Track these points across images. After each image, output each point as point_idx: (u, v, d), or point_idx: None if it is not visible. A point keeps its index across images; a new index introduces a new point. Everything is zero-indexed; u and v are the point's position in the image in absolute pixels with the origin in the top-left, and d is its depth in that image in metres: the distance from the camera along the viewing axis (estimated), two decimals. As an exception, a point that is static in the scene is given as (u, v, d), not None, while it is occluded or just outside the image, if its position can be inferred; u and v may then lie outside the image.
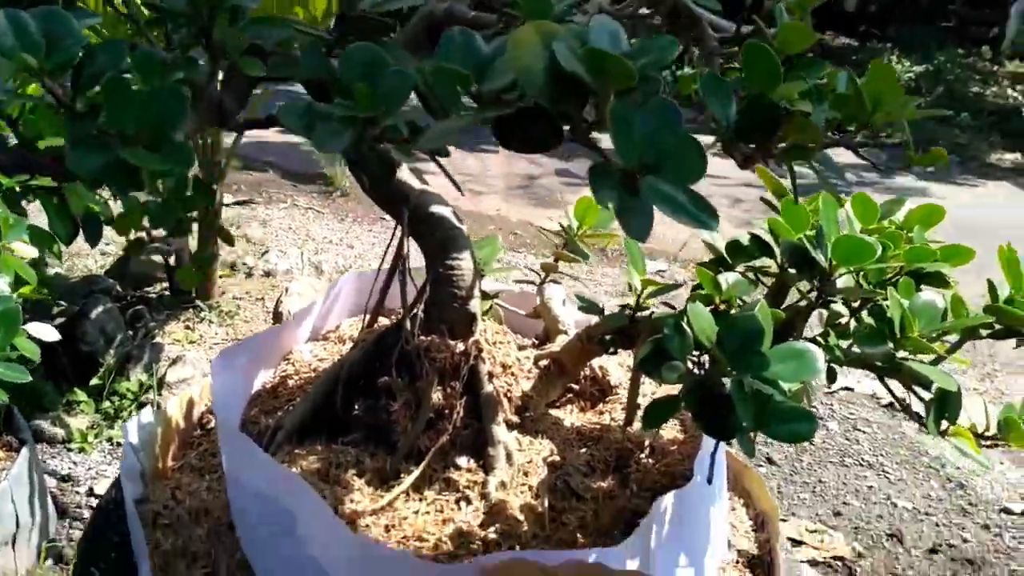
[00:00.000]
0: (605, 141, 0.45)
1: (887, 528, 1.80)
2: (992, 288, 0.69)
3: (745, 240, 0.73)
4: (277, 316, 1.26)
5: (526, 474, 0.73)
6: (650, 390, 0.91)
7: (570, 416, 0.87)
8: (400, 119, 0.44)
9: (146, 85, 0.55)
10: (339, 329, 0.97)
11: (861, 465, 2.10)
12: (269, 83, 0.63)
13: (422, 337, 0.76)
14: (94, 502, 1.11)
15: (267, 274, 2.84)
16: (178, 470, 0.85)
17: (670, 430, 0.85)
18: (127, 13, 0.88)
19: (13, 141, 0.89)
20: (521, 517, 0.69)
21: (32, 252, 1.27)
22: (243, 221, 3.53)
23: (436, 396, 0.75)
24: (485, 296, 0.88)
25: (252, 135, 4.93)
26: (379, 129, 0.44)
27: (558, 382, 0.88)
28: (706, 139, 0.49)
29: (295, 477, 0.65)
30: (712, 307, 0.67)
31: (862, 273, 0.69)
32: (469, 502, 0.70)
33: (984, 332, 0.69)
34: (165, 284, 2.62)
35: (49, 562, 1.63)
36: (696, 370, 0.60)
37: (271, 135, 5.03)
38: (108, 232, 3.10)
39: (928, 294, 0.66)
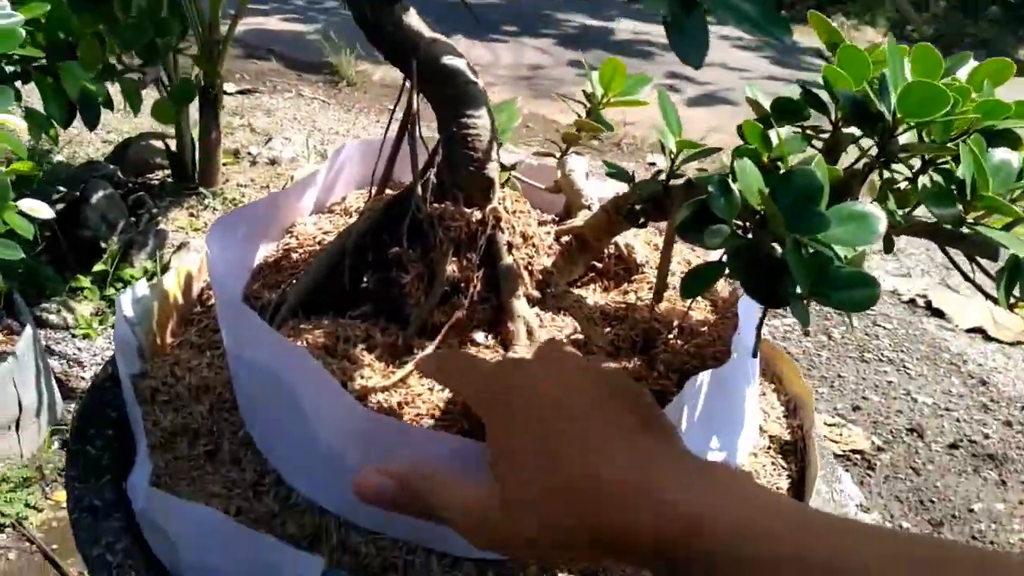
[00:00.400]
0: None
1: (907, 423, 1.77)
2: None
3: (795, 94, 0.65)
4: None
5: (547, 352, 0.68)
6: (678, 268, 0.85)
7: (593, 295, 0.81)
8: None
9: None
10: (344, 201, 0.91)
11: (881, 361, 2.06)
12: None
13: (435, 204, 0.69)
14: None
15: (272, 162, 2.77)
16: (177, 347, 0.80)
17: (700, 310, 0.79)
18: None
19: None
20: (542, 396, 0.64)
21: (21, 124, 1.20)
22: (247, 110, 3.44)
23: (451, 268, 0.69)
24: (502, 168, 0.81)
25: (255, 23, 4.80)
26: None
27: (580, 259, 0.82)
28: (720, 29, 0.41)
29: (299, 350, 0.60)
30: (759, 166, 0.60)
31: (925, 131, 0.62)
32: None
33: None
34: (167, 171, 2.55)
35: (55, 445, 1.63)
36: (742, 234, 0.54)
37: (275, 23, 4.89)
38: (110, 120, 3.03)
39: (1002, 153, 0.59)
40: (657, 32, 5.19)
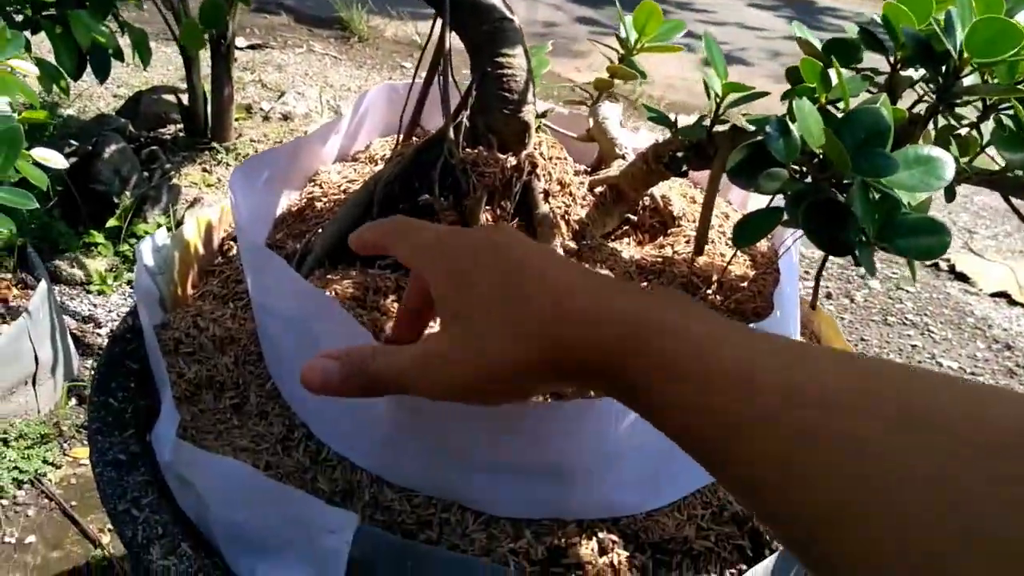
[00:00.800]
0: None
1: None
2: None
3: (852, 34, 0.62)
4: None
5: (583, 305, 0.65)
6: (717, 222, 0.82)
7: (628, 248, 0.78)
8: None
9: None
10: (369, 149, 0.87)
11: (904, 324, 2.03)
12: None
13: (468, 149, 0.66)
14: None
15: (285, 117, 2.73)
16: (199, 298, 0.78)
17: (739, 265, 0.76)
18: None
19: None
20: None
21: (33, 70, 1.17)
22: (258, 66, 3.39)
23: (484, 216, 0.66)
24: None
25: (265, -25, 4.67)
26: None
27: (615, 211, 0.79)
28: None
29: (328, 298, 0.57)
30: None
31: (988, 73, 0.58)
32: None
33: None
34: (179, 125, 2.52)
35: (73, 401, 1.61)
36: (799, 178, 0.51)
37: (285, -24, 4.78)
38: (120, 74, 2.99)
39: (1075, 95, 0.56)
40: (674, -12, 5.09)
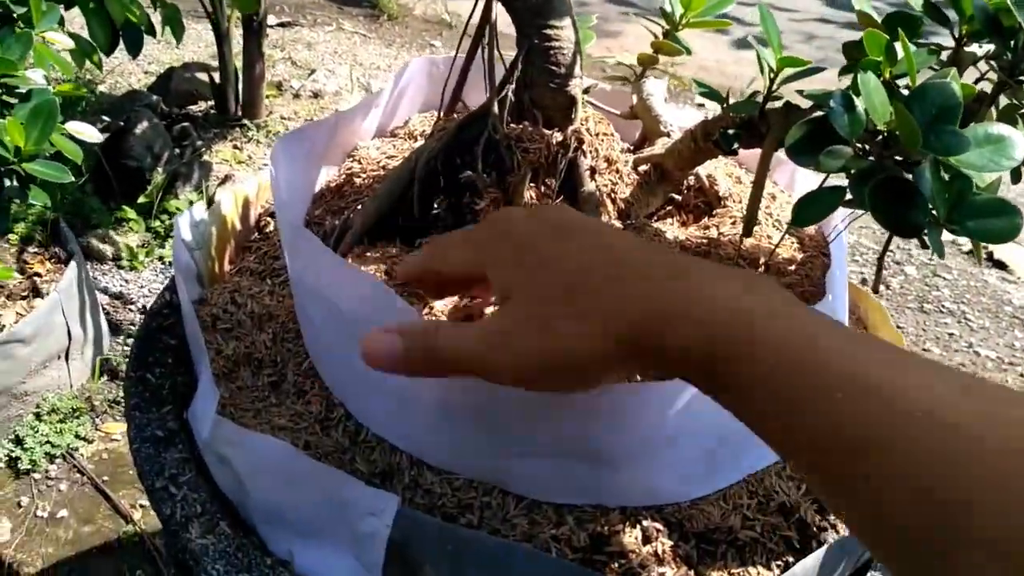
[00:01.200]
0: None
1: (970, 375, 1.70)
2: None
3: (916, 7, 0.59)
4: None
5: (628, 287, 0.64)
6: (764, 203, 0.80)
7: (672, 229, 0.76)
8: None
9: None
10: (408, 124, 0.86)
11: (941, 312, 1.99)
12: None
13: (512, 125, 0.65)
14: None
15: (315, 95, 2.72)
16: (236, 274, 0.77)
17: (787, 248, 0.74)
18: None
19: None
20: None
21: (69, 43, 1.16)
22: (287, 43, 3.38)
23: (529, 194, 0.64)
24: (578, 91, 0.76)
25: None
26: None
27: (660, 190, 0.77)
28: None
29: (368, 277, 0.56)
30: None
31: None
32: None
33: None
34: (210, 102, 2.51)
35: (104, 377, 1.62)
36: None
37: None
38: (152, 51, 2.99)
39: None
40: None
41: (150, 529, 1.33)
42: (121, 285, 1.88)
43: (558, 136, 0.64)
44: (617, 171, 0.68)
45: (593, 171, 0.65)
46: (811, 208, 0.50)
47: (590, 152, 0.65)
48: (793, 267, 0.72)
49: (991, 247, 2.55)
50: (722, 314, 0.35)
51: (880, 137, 0.50)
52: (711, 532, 0.57)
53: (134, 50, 1.92)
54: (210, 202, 1.34)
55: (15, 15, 1.13)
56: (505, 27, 0.66)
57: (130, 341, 1.59)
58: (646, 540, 0.56)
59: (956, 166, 0.46)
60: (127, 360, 0.73)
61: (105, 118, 2.26)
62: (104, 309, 1.75)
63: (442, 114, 0.75)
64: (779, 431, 0.33)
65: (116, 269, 1.91)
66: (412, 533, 0.53)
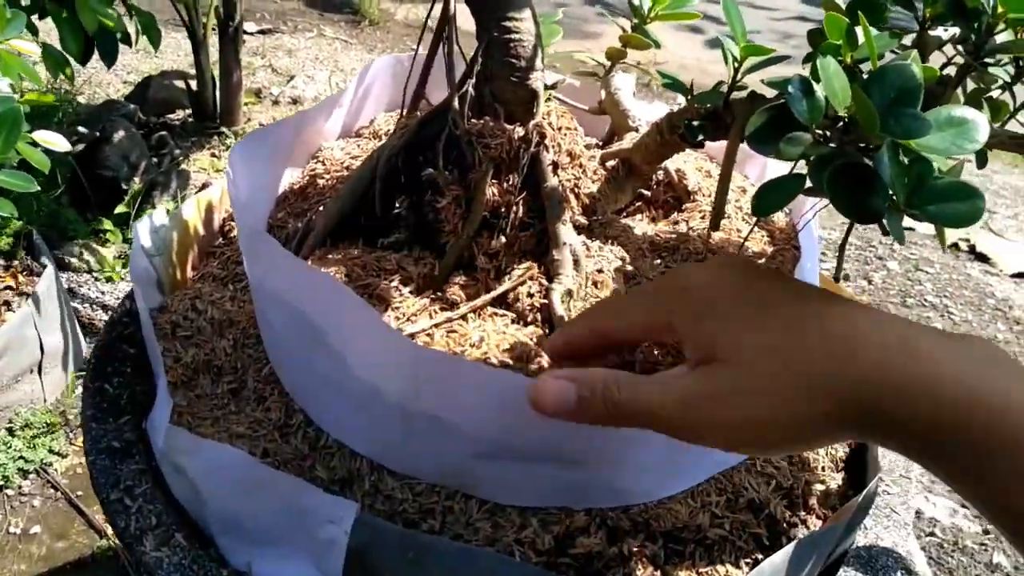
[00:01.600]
0: None
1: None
2: None
3: (878, -7, 0.58)
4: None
5: (595, 284, 0.63)
6: (733, 197, 0.79)
7: (641, 224, 0.75)
8: None
9: None
10: (373, 124, 0.84)
11: (924, 306, 1.99)
12: None
13: (473, 120, 0.63)
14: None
15: (294, 101, 2.70)
16: (198, 280, 0.75)
17: (757, 241, 0.73)
18: None
19: None
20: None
21: (35, 49, 1.14)
22: (268, 51, 3.36)
23: (491, 191, 0.63)
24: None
25: (275, -41, 4.64)
26: None
27: (628, 185, 0.76)
28: None
29: (331, 280, 0.55)
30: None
31: (1021, 32, 0.55)
32: (528, 319, 0.59)
33: None
34: (188, 110, 2.49)
35: (79, 391, 1.60)
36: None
37: (294, -40, 4.75)
38: (130, 61, 2.95)
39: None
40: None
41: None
42: (99, 296, 1.86)
43: (519, 131, 0.63)
44: (581, 165, 0.67)
45: (556, 166, 0.64)
46: (772, 196, 0.48)
47: (552, 147, 0.64)
48: (763, 260, 0.71)
49: (973, 240, 2.55)
50: (941, 395, 0.36)
51: (841, 123, 0.49)
52: (679, 531, 0.56)
53: (109, 59, 1.90)
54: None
55: (-22, 23, 1.11)
56: (469, 23, 0.65)
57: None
58: (612, 541, 0.55)
59: (916, 150, 0.45)
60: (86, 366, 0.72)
61: (82, 128, 2.24)
62: (81, 321, 1.73)
63: (405, 112, 0.74)
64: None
65: (93, 280, 1.89)
66: (372, 540, 0.52)
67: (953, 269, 2.19)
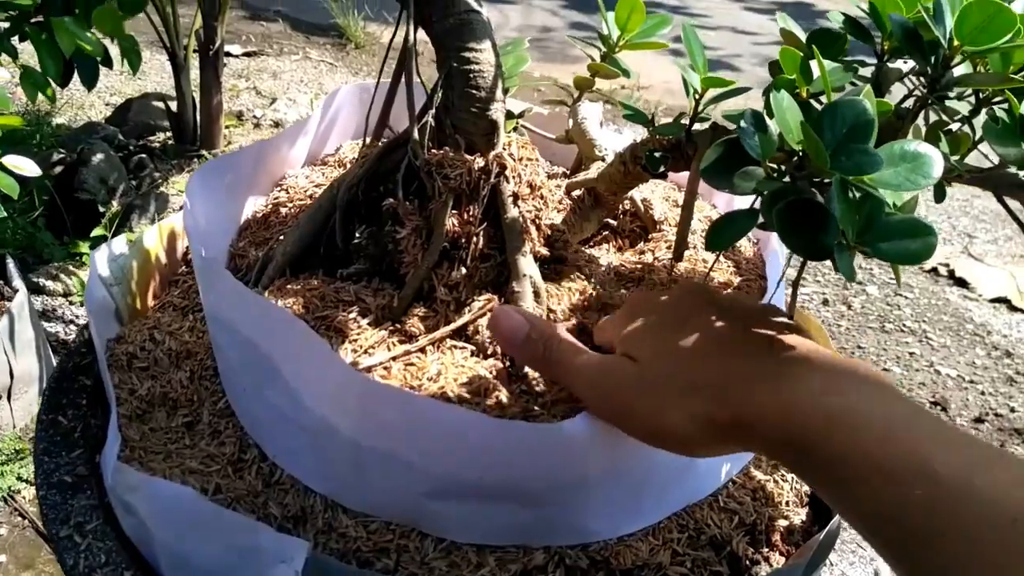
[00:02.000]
0: None
1: (930, 395, 1.70)
2: None
3: (836, 23, 0.58)
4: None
5: (554, 315, 0.62)
6: (699, 227, 0.79)
7: (607, 255, 0.74)
8: None
9: None
10: (339, 152, 0.84)
11: (902, 331, 1.99)
12: None
13: (433, 151, 0.63)
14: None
15: (276, 124, 2.70)
16: (158, 309, 0.74)
17: (723, 272, 0.73)
18: None
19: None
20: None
21: (5, 75, 1.14)
22: (252, 73, 3.36)
23: (451, 221, 0.62)
24: (509, 116, 0.74)
25: (260, -18, 4.65)
26: None
27: (593, 216, 0.75)
28: None
29: (284, 313, 0.54)
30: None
31: (981, 63, 0.55)
32: (487, 351, 0.59)
33: None
34: (168, 133, 2.49)
35: (50, 415, 1.57)
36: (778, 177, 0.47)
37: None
38: (113, 83, 2.95)
39: (1071, 88, 0.52)
40: (671, -7, 5.06)
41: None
42: (73, 320, 1.84)
43: (480, 161, 0.62)
44: (542, 196, 0.66)
45: (516, 197, 0.63)
46: (724, 232, 0.48)
47: (513, 177, 0.64)
48: (729, 291, 0.71)
49: (952, 265, 2.56)
50: (811, 412, 0.40)
51: (795, 157, 0.48)
52: (639, 569, 0.55)
53: (89, 82, 1.89)
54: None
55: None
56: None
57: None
58: (570, 580, 0.54)
59: (869, 185, 0.45)
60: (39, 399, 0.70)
61: (61, 151, 2.22)
62: (53, 346, 1.71)
63: (368, 140, 0.74)
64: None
65: (68, 304, 1.87)
66: (323, 580, 0.51)
67: (932, 294, 2.20)
